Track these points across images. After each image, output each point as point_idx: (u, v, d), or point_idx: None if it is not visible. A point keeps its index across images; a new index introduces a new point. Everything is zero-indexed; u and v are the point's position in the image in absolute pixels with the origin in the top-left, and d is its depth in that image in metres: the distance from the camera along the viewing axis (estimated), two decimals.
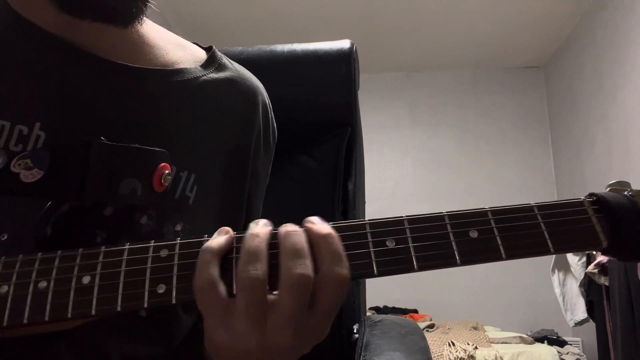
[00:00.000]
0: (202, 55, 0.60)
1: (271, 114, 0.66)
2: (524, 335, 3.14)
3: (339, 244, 0.37)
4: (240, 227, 0.59)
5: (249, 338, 0.36)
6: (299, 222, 0.40)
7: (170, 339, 0.51)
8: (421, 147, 4.28)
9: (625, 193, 0.40)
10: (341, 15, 3.50)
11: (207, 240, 0.39)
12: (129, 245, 0.39)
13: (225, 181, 0.56)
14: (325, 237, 0.38)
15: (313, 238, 0.38)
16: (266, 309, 0.36)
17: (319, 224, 0.39)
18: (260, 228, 0.39)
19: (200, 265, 0.37)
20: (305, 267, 0.36)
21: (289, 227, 0.38)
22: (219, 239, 0.38)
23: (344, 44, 0.90)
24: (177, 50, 0.58)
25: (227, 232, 0.39)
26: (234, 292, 0.36)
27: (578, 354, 3.16)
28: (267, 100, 0.65)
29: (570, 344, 3.36)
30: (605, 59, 3.21)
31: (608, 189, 0.41)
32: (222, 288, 0.36)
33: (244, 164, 0.59)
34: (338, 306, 0.38)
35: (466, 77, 4.35)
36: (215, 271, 0.36)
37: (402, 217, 0.39)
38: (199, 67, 0.57)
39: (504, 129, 4.23)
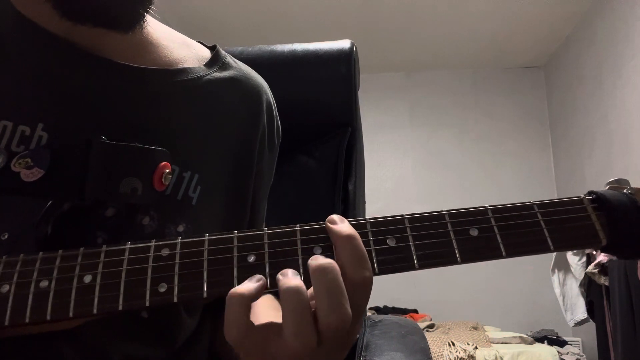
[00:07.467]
0: (206, 54, 0.59)
1: (276, 113, 0.65)
2: (524, 335, 3.14)
3: (362, 246, 0.37)
4: (245, 226, 0.59)
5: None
6: (298, 222, 0.40)
7: (172, 340, 0.51)
8: (421, 147, 4.28)
9: (625, 191, 0.40)
10: (341, 15, 3.50)
11: (208, 239, 0.39)
12: (130, 244, 0.39)
13: (229, 181, 0.56)
14: (349, 239, 0.37)
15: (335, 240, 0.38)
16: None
17: (340, 225, 0.38)
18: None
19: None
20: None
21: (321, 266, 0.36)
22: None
23: (344, 44, 0.90)
24: (181, 49, 0.57)
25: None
26: None
27: (578, 354, 3.16)
28: (272, 99, 0.64)
29: (570, 344, 3.36)
30: (605, 59, 3.21)
31: (607, 187, 0.41)
32: None
33: (248, 164, 0.58)
34: (365, 307, 0.38)
35: (466, 77, 4.35)
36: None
37: (402, 215, 0.39)
38: (203, 66, 0.56)
39: (504, 129, 4.23)
